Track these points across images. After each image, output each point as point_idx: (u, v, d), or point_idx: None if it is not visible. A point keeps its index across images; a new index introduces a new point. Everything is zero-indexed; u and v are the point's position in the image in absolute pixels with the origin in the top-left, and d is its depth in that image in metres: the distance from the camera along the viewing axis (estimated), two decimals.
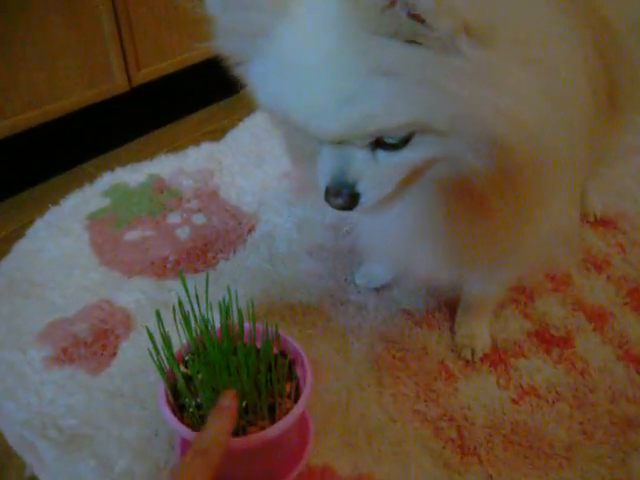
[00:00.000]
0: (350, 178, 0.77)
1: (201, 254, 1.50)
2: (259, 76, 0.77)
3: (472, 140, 0.72)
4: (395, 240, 0.99)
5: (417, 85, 0.66)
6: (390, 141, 0.74)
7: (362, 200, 0.78)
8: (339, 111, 0.69)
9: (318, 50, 0.68)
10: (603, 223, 1.58)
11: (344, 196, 0.78)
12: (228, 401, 0.83)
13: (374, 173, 0.77)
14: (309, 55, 0.69)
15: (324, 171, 0.79)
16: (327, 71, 0.68)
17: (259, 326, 0.98)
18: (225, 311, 0.96)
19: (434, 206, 0.85)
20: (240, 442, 0.86)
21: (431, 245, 0.95)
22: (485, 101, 0.68)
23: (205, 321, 0.93)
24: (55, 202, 1.69)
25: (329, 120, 0.71)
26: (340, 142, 0.75)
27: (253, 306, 0.95)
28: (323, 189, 0.80)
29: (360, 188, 0.77)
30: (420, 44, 0.64)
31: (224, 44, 0.79)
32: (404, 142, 0.73)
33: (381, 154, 0.76)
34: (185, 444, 1.02)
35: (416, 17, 0.60)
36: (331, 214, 1.46)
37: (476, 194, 0.80)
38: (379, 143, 0.75)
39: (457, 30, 0.62)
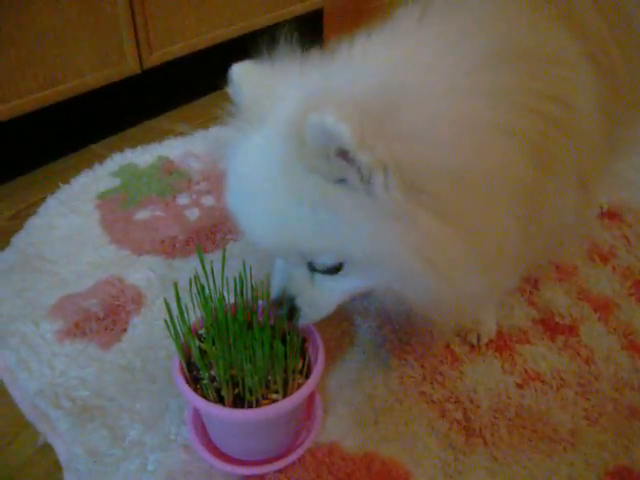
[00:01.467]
0: (290, 293, 0.88)
1: (210, 234, 1.51)
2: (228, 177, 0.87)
3: (395, 274, 0.80)
4: None
5: (337, 220, 0.75)
6: (320, 267, 0.83)
7: (301, 315, 0.90)
8: (271, 231, 0.81)
9: (258, 177, 0.78)
10: (609, 215, 1.59)
11: (284, 308, 0.89)
12: None
13: (310, 293, 0.88)
14: (251, 179, 0.79)
15: (273, 284, 0.92)
16: (263, 197, 0.78)
17: None
18: (240, 285, 0.97)
19: None
20: (255, 413, 0.88)
21: None
22: (396, 241, 0.75)
23: (221, 296, 0.95)
24: (66, 181, 1.71)
25: (264, 237, 0.83)
26: (285, 259, 0.86)
27: (268, 281, 0.96)
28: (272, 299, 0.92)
29: (298, 303, 0.89)
30: (346, 184, 0.72)
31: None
32: (336, 270, 0.82)
33: (317, 277, 0.85)
34: (197, 417, 1.03)
35: (343, 154, 0.68)
36: None
37: None
38: (314, 267, 0.84)
39: (374, 169, 0.69)
